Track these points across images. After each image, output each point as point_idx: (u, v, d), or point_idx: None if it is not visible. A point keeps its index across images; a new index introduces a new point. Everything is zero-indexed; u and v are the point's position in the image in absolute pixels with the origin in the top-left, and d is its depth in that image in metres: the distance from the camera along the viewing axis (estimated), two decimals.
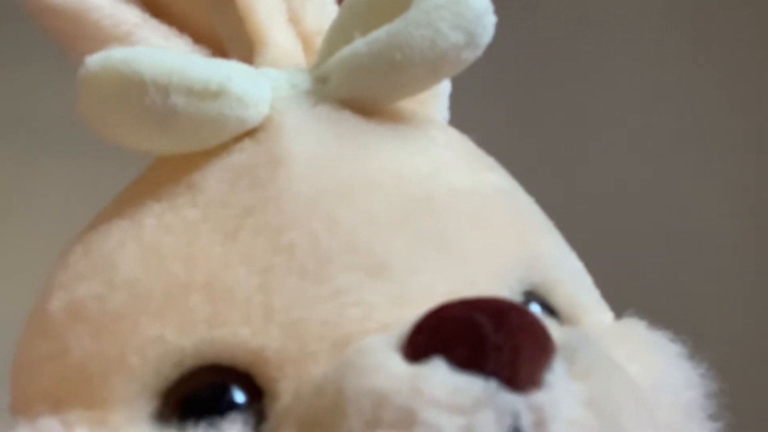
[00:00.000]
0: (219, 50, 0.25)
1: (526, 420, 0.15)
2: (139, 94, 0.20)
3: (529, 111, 0.60)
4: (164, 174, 0.21)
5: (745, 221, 0.60)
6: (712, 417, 0.21)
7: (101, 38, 0.24)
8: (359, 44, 0.21)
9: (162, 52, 0.21)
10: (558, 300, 0.21)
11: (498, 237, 0.21)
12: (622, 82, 0.62)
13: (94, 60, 0.20)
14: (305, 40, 0.26)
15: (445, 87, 0.27)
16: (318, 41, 0.25)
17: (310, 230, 0.19)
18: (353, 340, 0.17)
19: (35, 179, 0.56)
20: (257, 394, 0.18)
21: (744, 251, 0.59)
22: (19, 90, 0.56)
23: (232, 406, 0.17)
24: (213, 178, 0.20)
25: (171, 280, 0.19)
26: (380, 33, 0.21)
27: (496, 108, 0.59)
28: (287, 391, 0.17)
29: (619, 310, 0.24)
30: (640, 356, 0.20)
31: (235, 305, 0.18)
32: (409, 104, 0.24)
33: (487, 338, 0.15)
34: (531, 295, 0.21)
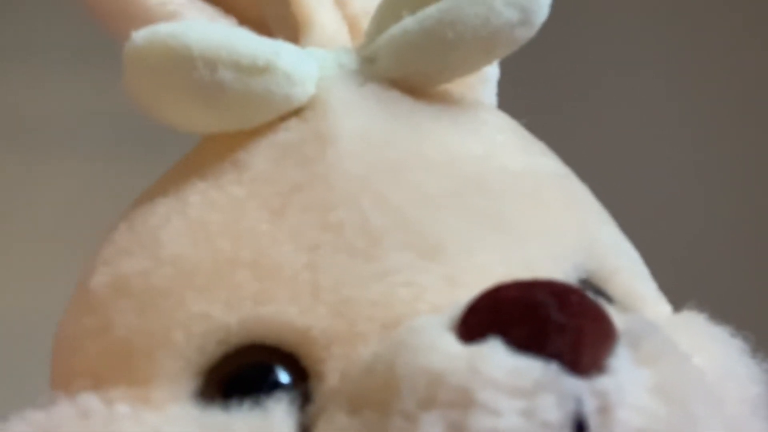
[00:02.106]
0: (264, 32, 0.24)
1: (590, 405, 0.14)
2: (187, 69, 0.19)
3: (528, 113, 0.60)
4: (209, 153, 0.21)
5: None
6: None
7: (147, 18, 0.23)
8: (409, 22, 0.21)
9: (210, 26, 0.20)
10: (615, 289, 0.20)
11: (554, 220, 0.20)
12: (622, 83, 0.61)
13: (141, 35, 0.20)
14: (352, 23, 0.25)
15: (494, 72, 0.26)
16: (365, 24, 0.24)
17: (359, 208, 0.18)
18: (403, 321, 0.17)
19: (35, 180, 0.57)
20: (303, 375, 0.17)
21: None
22: (19, 90, 0.56)
23: (277, 386, 0.17)
24: (259, 155, 0.20)
25: (218, 256, 0.18)
26: (431, 10, 0.21)
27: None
28: (334, 372, 0.17)
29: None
30: (703, 348, 0.19)
31: (282, 283, 0.18)
32: (457, 88, 0.23)
33: (549, 318, 0.15)
34: (586, 284, 0.20)
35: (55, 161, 0.56)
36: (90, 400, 0.17)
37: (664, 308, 0.22)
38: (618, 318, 0.16)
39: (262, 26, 0.25)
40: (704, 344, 0.19)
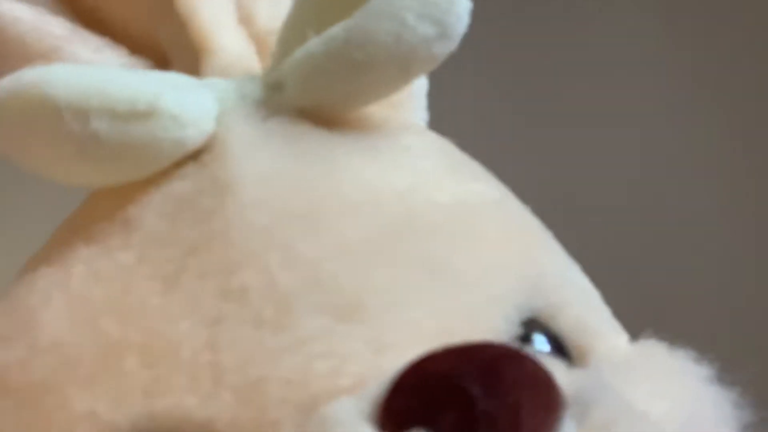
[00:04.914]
0: (161, 61, 0.22)
1: None
2: (54, 121, 0.17)
3: (523, 109, 0.58)
4: (98, 210, 0.18)
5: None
6: None
7: (26, 56, 0.21)
8: (314, 44, 0.19)
9: (80, 70, 0.18)
10: (564, 325, 0.18)
11: (492, 256, 0.18)
12: (619, 81, 0.60)
13: (3, 85, 0.18)
14: (259, 43, 0.23)
15: (421, 86, 0.24)
16: (274, 42, 0.22)
17: (265, 268, 0.16)
18: (322, 402, 0.14)
19: (33, 181, 0.54)
20: None
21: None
22: None
23: None
24: (151, 212, 0.17)
25: (102, 341, 0.16)
26: (337, 29, 0.18)
27: (487, 105, 0.57)
28: None
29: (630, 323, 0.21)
30: (665, 391, 0.17)
31: (178, 368, 0.15)
32: (381, 108, 0.21)
33: (476, 404, 0.13)
34: (533, 323, 0.18)
35: None
36: None
37: (619, 340, 0.20)
38: (565, 380, 0.14)
39: (158, 55, 0.23)
40: (666, 384, 0.18)
